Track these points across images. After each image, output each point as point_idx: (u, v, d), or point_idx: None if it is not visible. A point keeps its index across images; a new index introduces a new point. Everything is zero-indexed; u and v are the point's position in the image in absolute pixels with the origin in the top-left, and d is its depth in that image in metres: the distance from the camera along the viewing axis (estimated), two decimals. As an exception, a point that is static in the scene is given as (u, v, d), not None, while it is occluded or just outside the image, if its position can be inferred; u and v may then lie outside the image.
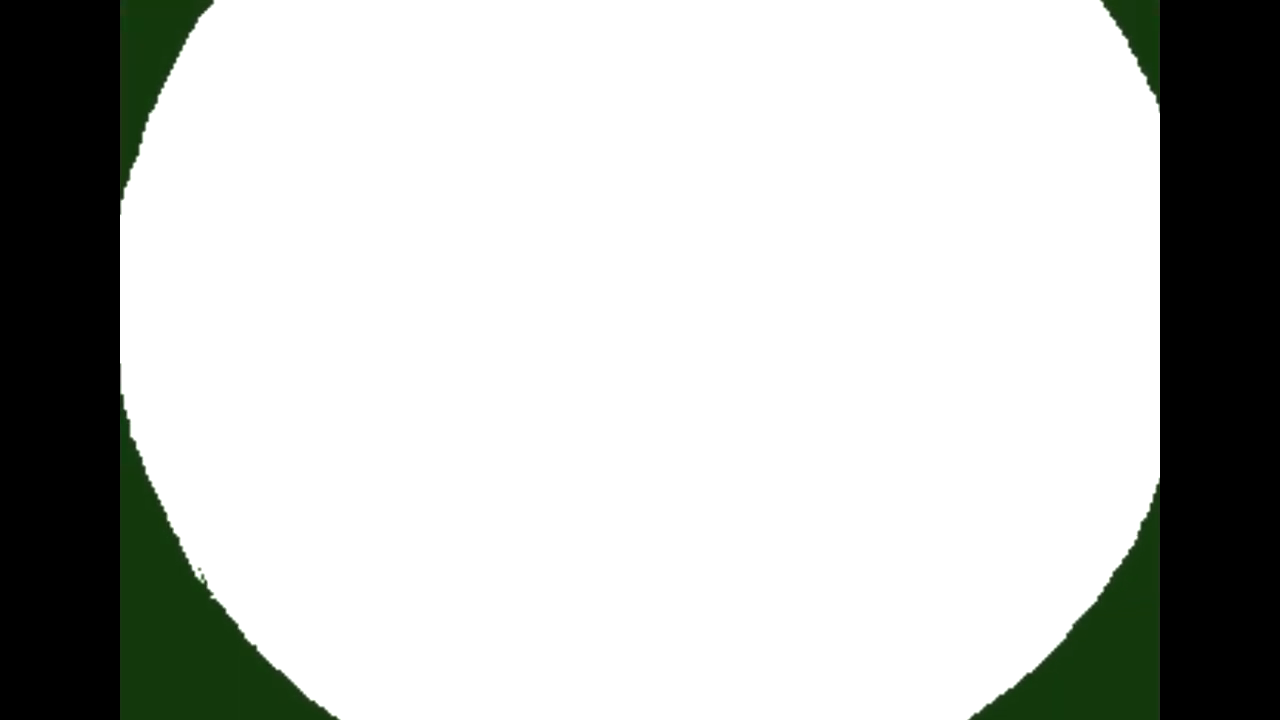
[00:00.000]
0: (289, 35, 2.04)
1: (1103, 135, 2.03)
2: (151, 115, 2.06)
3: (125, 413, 2.05)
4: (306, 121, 2.02)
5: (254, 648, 2.06)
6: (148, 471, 2.07)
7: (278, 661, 2.06)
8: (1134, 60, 2.04)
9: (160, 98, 2.06)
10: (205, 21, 2.06)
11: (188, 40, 2.05)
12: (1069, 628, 2.05)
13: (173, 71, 2.06)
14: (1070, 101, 2.03)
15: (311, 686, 2.07)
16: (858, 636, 2.02)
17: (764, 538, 2.02)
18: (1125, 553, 2.05)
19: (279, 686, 2.07)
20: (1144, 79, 2.05)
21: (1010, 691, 2.07)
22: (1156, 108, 2.04)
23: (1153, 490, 2.04)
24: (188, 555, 2.07)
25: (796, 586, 2.02)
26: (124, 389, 2.05)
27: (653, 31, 2.01)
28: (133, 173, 2.07)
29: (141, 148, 2.06)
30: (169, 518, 2.07)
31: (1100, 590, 2.05)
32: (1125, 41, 2.05)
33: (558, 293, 2.02)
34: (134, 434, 2.05)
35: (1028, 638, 2.04)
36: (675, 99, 2.01)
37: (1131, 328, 2.02)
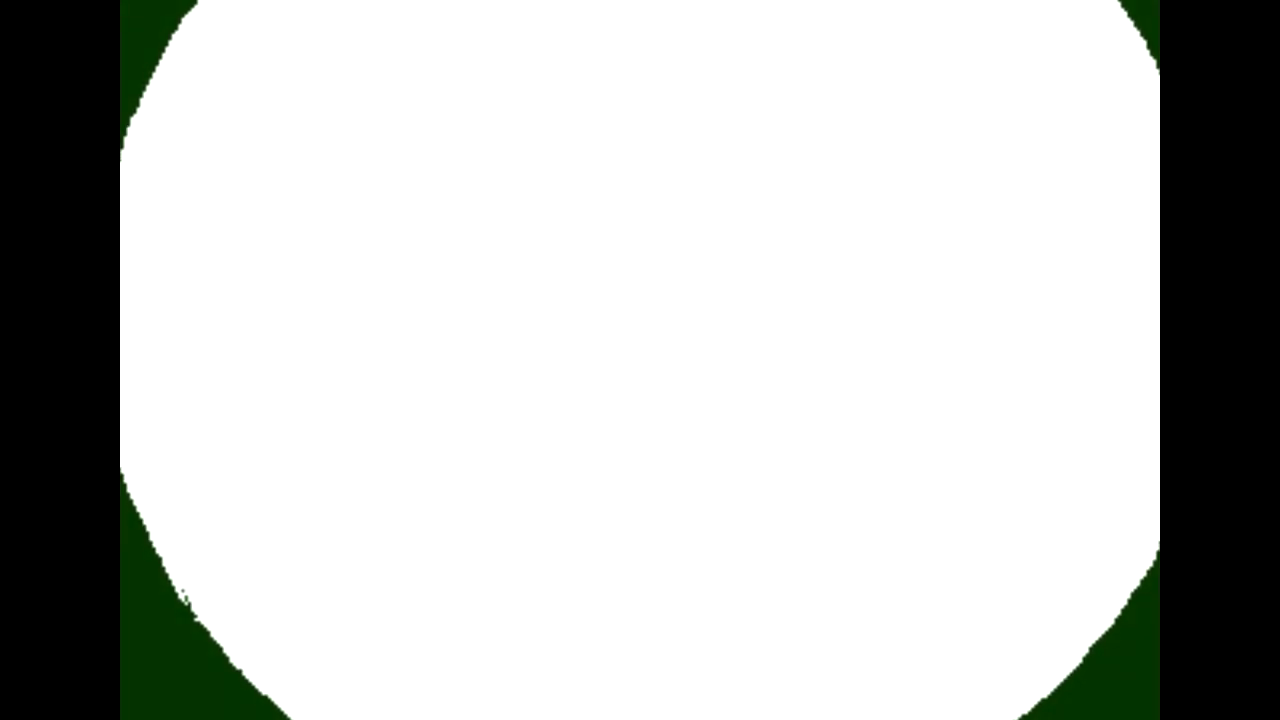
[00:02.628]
0: (273, 34, 2.04)
1: (1103, 131, 2.02)
2: (134, 117, 2.06)
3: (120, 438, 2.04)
4: (290, 119, 2.03)
5: (239, 672, 2.07)
6: (131, 495, 2.06)
7: (263, 685, 2.06)
8: (1141, 49, 2.03)
9: (144, 99, 2.06)
10: (189, 22, 2.06)
11: (171, 41, 2.06)
12: (1084, 651, 2.04)
13: (157, 71, 2.06)
14: (1074, 98, 2.02)
15: (297, 710, 2.06)
16: (869, 673, 2.02)
17: (779, 563, 2.00)
18: (1143, 573, 2.04)
19: (266, 711, 2.07)
20: (1149, 74, 2.04)
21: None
22: (1158, 106, 2.03)
23: (1158, 515, 2.03)
24: (172, 579, 2.07)
25: (810, 609, 2.01)
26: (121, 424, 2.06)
27: (653, 32, 2.00)
28: (122, 174, 2.06)
29: (124, 152, 2.06)
30: (151, 540, 2.07)
31: (1115, 614, 2.04)
32: (1133, 29, 2.04)
33: (552, 291, 2.01)
34: (123, 460, 2.05)
35: (1043, 664, 2.03)
36: (676, 99, 2.00)
37: (1133, 326, 2.02)
